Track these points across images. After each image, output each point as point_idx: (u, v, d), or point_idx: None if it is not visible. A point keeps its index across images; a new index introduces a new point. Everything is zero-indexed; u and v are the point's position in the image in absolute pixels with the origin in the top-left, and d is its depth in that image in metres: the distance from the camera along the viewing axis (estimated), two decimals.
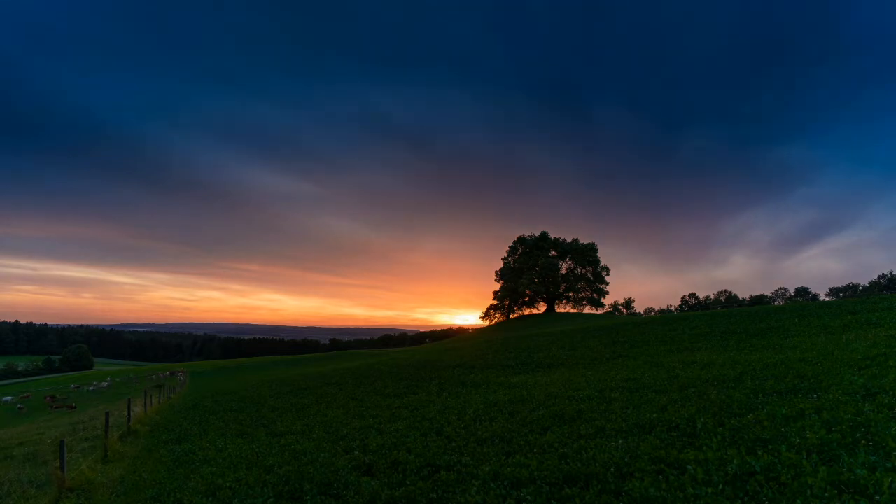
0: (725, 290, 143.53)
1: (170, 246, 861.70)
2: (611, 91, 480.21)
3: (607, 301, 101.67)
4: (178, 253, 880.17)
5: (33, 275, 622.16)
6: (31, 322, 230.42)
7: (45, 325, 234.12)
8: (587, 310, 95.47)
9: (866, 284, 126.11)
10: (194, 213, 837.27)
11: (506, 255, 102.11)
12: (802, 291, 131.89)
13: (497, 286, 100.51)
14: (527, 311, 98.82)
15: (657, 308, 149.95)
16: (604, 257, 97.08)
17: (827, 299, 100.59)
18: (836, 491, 4.64)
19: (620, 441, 7.39)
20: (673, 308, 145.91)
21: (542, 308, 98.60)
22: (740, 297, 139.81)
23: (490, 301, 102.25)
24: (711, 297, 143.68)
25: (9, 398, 52.00)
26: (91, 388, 53.86)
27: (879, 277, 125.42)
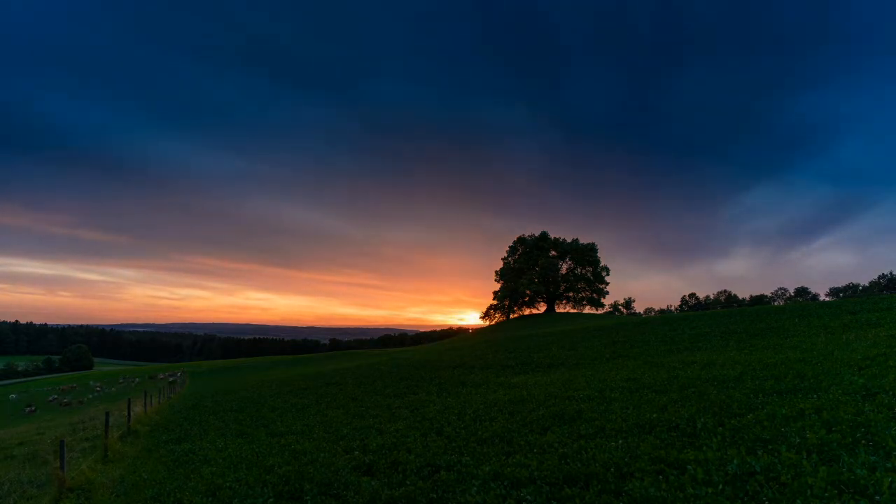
0: (725, 290, 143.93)
1: (123, 239, 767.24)
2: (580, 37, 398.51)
3: (607, 301, 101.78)
4: (136, 247, 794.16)
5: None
6: (31, 322, 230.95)
7: (45, 325, 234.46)
8: (587, 310, 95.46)
9: (866, 284, 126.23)
10: (132, 200, 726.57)
11: (505, 255, 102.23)
12: (802, 291, 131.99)
13: (497, 286, 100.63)
14: (527, 311, 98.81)
15: (657, 308, 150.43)
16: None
17: (827, 299, 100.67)
18: (836, 491, 4.64)
19: (620, 441, 7.39)
20: (673, 308, 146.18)
21: (542, 308, 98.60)
22: (740, 296, 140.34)
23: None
24: (711, 296, 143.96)
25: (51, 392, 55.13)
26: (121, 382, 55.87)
27: (879, 277, 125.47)
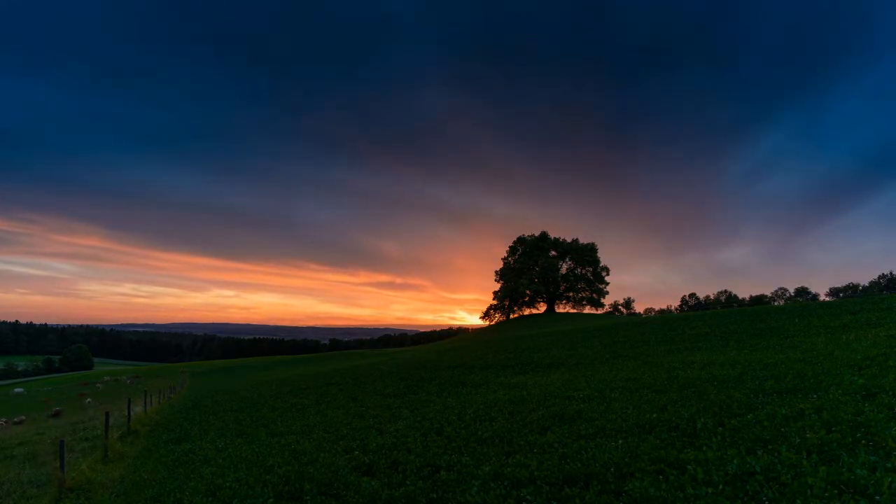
0: (725, 291, 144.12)
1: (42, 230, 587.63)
2: None
3: (607, 301, 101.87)
4: (54, 240, 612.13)
5: None
6: (31, 322, 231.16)
7: (45, 325, 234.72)
8: (587, 310, 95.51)
9: (866, 284, 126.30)
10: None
11: (506, 255, 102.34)
12: (802, 291, 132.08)
13: (497, 286, 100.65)
14: (527, 311, 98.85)
15: (657, 308, 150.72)
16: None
17: (827, 299, 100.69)
18: (836, 491, 4.64)
19: (620, 441, 7.39)
20: (673, 308, 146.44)
21: (542, 308, 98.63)
22: (740, 296, 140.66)
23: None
24: (711, 297, 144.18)
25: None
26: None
27: (879, 277, 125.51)
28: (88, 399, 39.39)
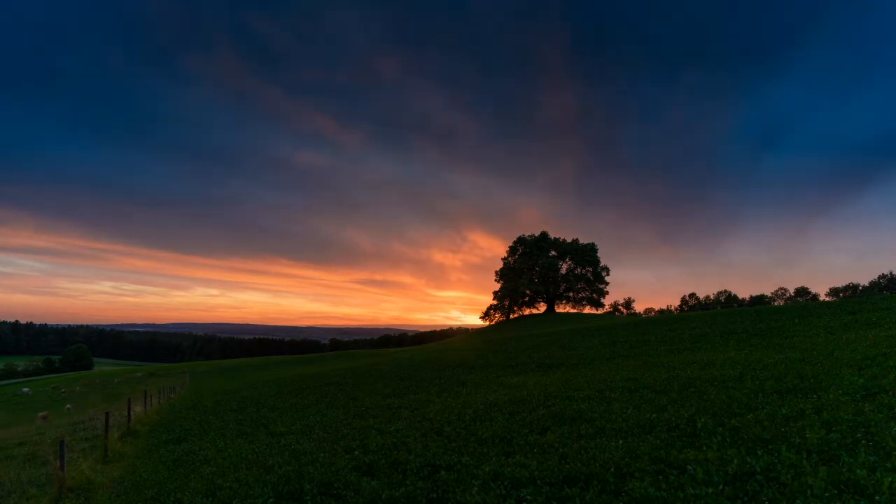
0: (725, 290, 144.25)
1: None
2: None
3: (607, 301, 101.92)
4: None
5: None
6: (31, 322, 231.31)
7: (45, 325, 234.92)
8: (587, 310, 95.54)
9: (866, 284, 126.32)
10: None
11: (506, 254, 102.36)
12: (802, 291, 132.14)
13: (497, 286, 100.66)
14: (527, 312, 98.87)
15: (657, 308, 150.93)
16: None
17: (827, 299, 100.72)
18: (836, 491, 4.64)
19: (620, 441, 7.39)
20: (673, 308, 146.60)
21: (542, 308, 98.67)
22: (740, 296, 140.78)
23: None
24: (711, 296, 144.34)
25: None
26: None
27: (879, 277, 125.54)
28: (68, 405, 39.09)
